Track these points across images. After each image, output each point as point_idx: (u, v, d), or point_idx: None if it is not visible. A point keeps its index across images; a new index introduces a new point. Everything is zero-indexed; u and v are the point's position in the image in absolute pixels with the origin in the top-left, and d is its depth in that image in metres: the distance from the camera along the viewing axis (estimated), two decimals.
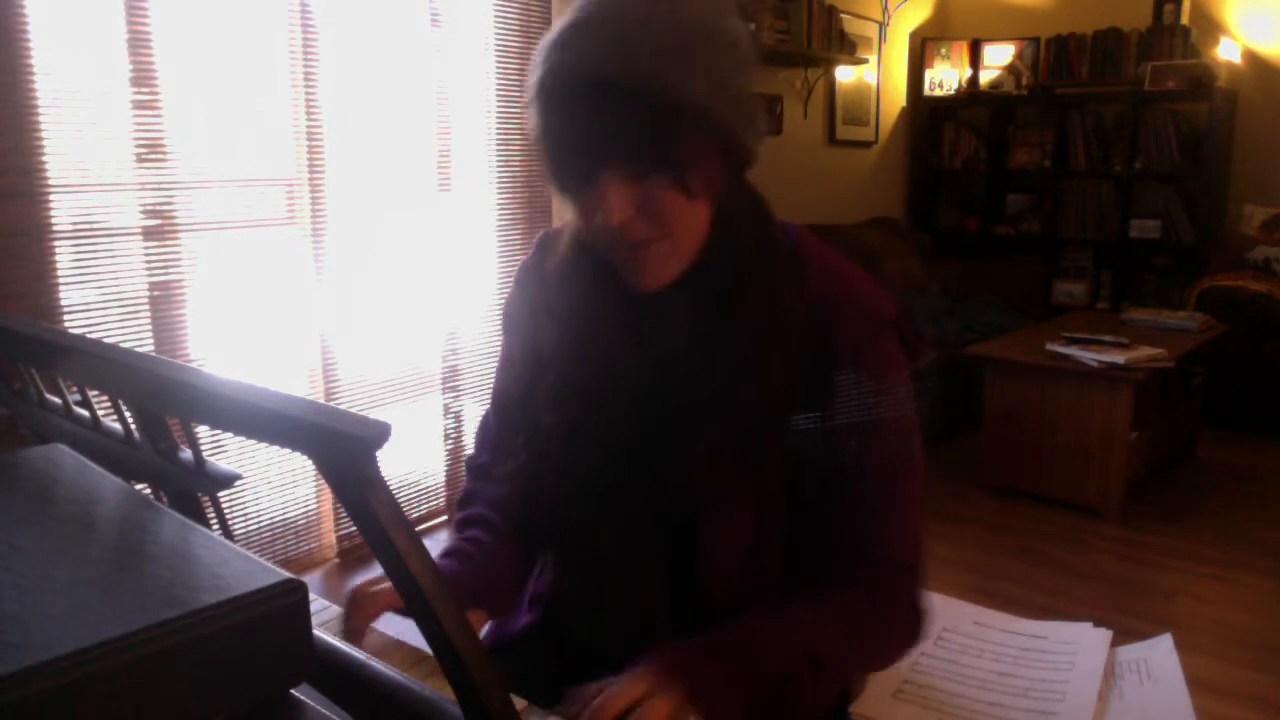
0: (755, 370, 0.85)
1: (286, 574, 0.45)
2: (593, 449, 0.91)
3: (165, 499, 0.67)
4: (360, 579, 0.90)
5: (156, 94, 2.22)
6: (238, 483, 0.63)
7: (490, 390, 1.08)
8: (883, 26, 5.04)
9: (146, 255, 2.25)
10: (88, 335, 1.54)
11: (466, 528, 1.00)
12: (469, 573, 0.93)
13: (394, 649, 0.86)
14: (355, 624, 0.86)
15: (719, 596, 0.89)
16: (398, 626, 0.89)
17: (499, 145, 3.06)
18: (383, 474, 0.44)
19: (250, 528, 2.56)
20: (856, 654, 0.87)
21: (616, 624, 0.94)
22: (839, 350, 0.86)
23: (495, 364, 1.06)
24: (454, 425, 3.07)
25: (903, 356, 0.90)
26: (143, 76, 2.19)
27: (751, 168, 0.88)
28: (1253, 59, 4.69)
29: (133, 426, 0.63)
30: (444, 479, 3.08)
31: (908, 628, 0.91)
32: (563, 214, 3.23)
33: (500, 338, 1.06)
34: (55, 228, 2.08)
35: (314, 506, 2.73)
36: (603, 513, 0.92)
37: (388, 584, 0.88)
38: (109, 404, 0.64)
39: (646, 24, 0.77)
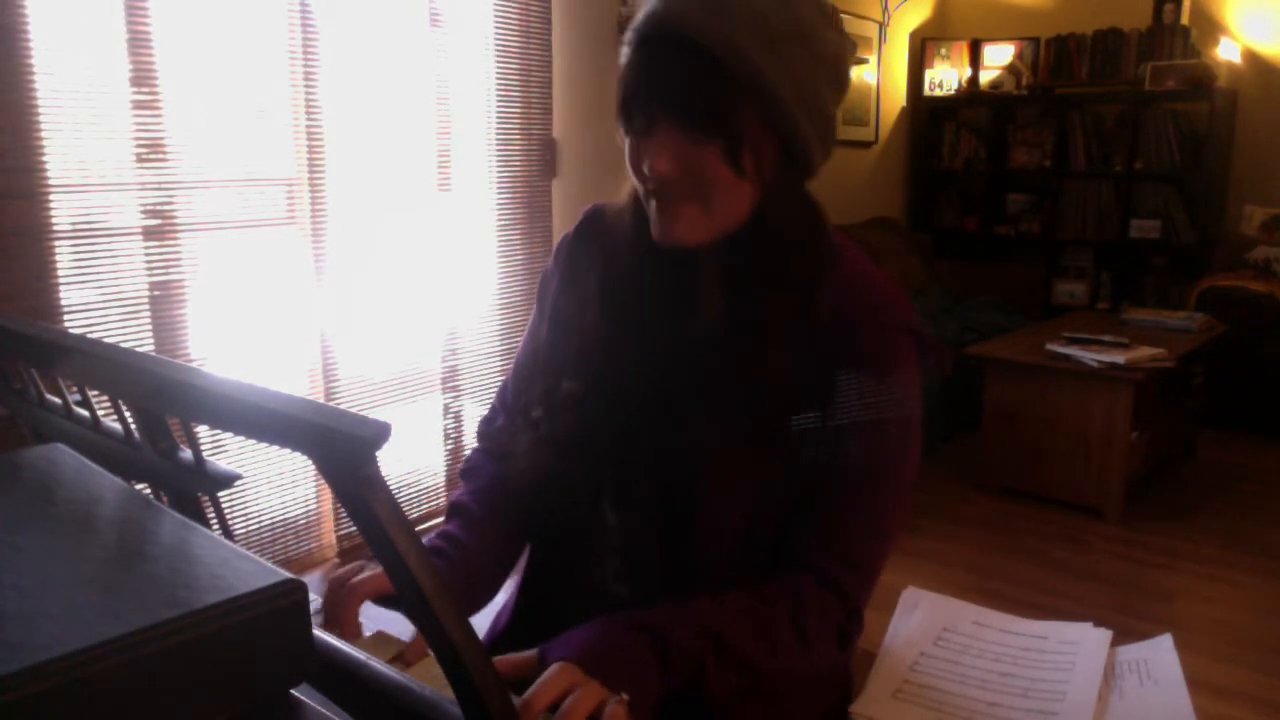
0: (775, 356, 0.87)
1: (286, 574, 0.45)
2: (607, 412, 0.92)
3: (165, 499, 0.67)
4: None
5: (156, 94, 2.22)
6: (238, 483, 0.63)
7: (490, 389, 1.08)
8: (883, 26, 5.04)
9: (146, 255, 2.26)
10: (88, 335, 1.53)
11: (449, 518, 1.01)
12: (445, 572, 0.93)
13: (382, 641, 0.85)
14: (341, 617, 0.85)
15: (713, 569, 0.90)
16: (384, 616, 0.88)
17: (499, 145, 3.05)
18: (383, 474, 0.44)
19: (250, 528, 2.56)
20: (764, 646, 0.85)
21: (608, 602, 0.95)
22: (854, 349, 0.88)
23: (495, 364, 1.07)
24: (454, 425, 3.06)
25: (916, 364, 0.91)
26: (143, 76, 2.19)
27: (810, 178, 0.90)
28: (1253, 59, 4.68)
29: (133, 426, 0.63)
30: (444, 479, 3.07)
31: (829, 638, 0.89)
32: (563, 215, 3.23)
33: (510, 324, 1.06)
34: (55, 228, 2.08)
35: (314, 506, 2.73)
36: (607, 479, 0.94)
37: (365, 574, 0.88)
38: (109, 404, 0.64)
39: (752, 2, 0.81)
